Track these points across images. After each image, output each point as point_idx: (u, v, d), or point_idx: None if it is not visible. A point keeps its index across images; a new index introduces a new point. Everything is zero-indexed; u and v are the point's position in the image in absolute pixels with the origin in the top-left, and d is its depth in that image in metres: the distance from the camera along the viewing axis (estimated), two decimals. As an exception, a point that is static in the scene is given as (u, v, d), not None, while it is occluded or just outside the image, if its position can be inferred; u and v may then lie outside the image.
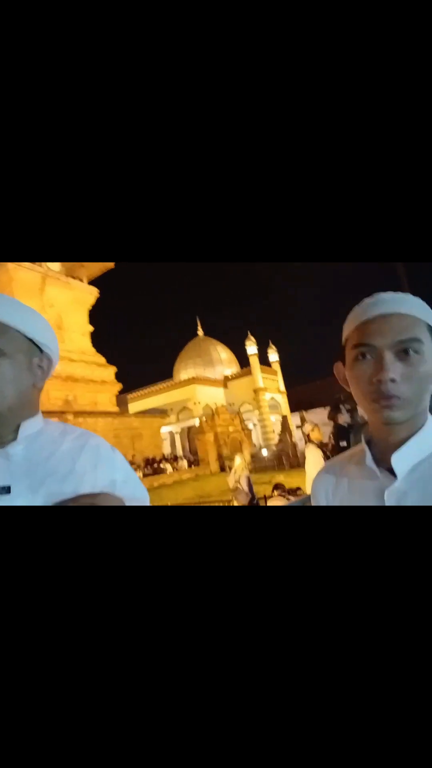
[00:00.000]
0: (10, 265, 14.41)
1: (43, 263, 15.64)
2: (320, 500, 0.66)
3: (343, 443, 3.51)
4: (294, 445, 19.64)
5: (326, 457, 3.36)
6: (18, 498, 0.52)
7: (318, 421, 4.12)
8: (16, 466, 0.54)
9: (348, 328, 0.57)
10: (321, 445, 3.83)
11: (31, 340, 0.58)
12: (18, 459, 0.55)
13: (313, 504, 0.68)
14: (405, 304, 0.53)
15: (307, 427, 3.66)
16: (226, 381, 32.72)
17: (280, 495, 4.36)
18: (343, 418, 3.70)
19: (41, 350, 0.60)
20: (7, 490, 0.52)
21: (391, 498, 0.54)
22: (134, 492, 0.63)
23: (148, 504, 0.65)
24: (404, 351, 0.51)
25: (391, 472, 0.55)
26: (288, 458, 18.87)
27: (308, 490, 3.33)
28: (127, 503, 0.57)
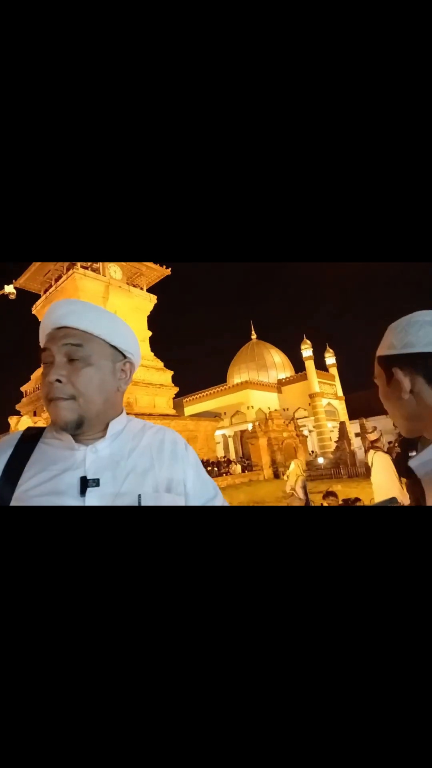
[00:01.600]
0: (77, 275, 15.42)
1: (106, 273, 16.55)
2: None
3: (413, 453, 3.27)
4: (353, 454, 18.81)
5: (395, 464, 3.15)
6: (106, 488, 0.56)
7: (381, 429, 3.90)
8: (103, 460, 0.59)
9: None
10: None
11: (114, 347, 0.62)
12: (105, 454, 0.59)
13: None
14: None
15: (373, 435, 3.47)
16: (279, 385, 32.23)
17: (330, 503, 4.18)
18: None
19: (124, 356, 0.64)
20: (96, 482, 0.55)
21: None
22: (204, 489, 0.64)
23: (218, 502, 0.65)
24: None
25: None
26: (346, 467, 18.09)
27: (375, 498, 3.15)
28: (195, 500, 0.61)
